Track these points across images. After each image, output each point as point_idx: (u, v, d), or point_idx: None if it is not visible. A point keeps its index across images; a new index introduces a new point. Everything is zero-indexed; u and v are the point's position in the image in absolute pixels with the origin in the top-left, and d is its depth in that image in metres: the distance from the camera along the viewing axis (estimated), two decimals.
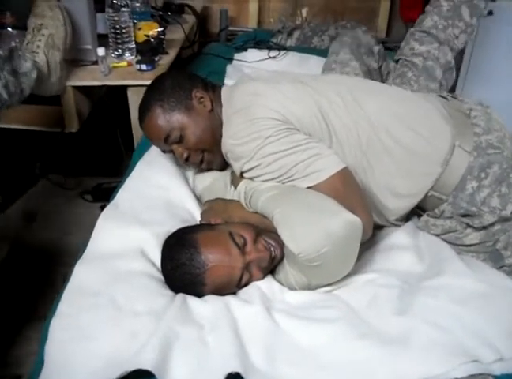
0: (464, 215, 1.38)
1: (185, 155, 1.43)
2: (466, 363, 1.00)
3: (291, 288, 1.24)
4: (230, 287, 1.21)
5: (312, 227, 1.15)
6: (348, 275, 1.25)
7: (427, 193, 1.39)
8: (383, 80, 2.01)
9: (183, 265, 1.16)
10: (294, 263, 1.20)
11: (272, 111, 1.31)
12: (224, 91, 1.48)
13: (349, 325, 1.10)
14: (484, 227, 1.37)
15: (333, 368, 1.02)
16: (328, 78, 1.63)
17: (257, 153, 1.29)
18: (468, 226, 1.38)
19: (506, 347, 1.04)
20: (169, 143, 1.42)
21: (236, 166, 1.35)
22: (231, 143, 1.34)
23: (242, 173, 1.35)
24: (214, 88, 1.49)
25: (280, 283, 1.26)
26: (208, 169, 1.54)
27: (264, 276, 1.26)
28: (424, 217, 1.44)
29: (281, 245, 1.23)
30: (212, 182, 1.53)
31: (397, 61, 1.94)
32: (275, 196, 1.26)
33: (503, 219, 1.36)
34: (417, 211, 1.48)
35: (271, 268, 1.27)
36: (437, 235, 1.42)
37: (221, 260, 1.17)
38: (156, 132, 1.42)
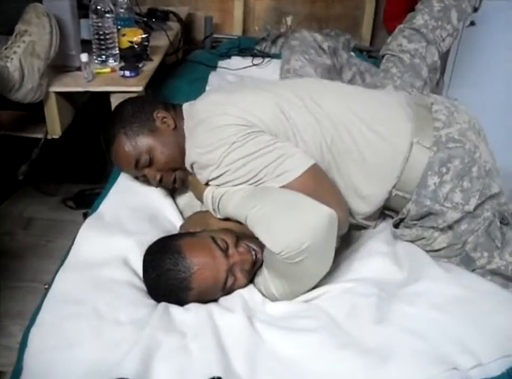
0: (427, 216, 1.38)
1: (158, 177, 1.43)
2: (445, 371, 1.00)
3: (272, 298, 1.24)
4: (215, 292, 1.21)
5: (291, 223, 1.14)
6: (327, 284, 1.26)
7: (391, 191, 1.40)
8: (340, 75, 2.01)
9: (168, 271, 1.16)
10: (273, 266, 1.20)
11: (234, 117, 1.32)
12: (185, 107, 1.49)
13: (329, 336, 1.11)
14: (450, 227, 1.37)
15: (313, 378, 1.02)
16: (285, 82, 1.67)
17: (224, 159, 1.29)
18: (434, 228, 1.39)
19: (485, 351, 1.05)
20: (140, 167, 1.42)
21: (203, 175, 1.35)
22: (198, 152, 1.34)
23: (208, 182, 1.35)
24: (175, 106, 1.50)
25: (261, 293, 1.26)
26: (181, 187, 1.53)
27: (247, 281, 1.26)
28: (392, 229, 1.44)
29: (262, 248, 1.23)
30: (191, 198, 1.53)
31: (382, 57, 1.93)
32: (247, 197, 1.26)
33: (467, 215, 1.36)
34: (386, 212, 1.49)
35: (253, 273, 1.27)
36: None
37: (206, 263, 1.17)
38: (125, 159, 1.41)
